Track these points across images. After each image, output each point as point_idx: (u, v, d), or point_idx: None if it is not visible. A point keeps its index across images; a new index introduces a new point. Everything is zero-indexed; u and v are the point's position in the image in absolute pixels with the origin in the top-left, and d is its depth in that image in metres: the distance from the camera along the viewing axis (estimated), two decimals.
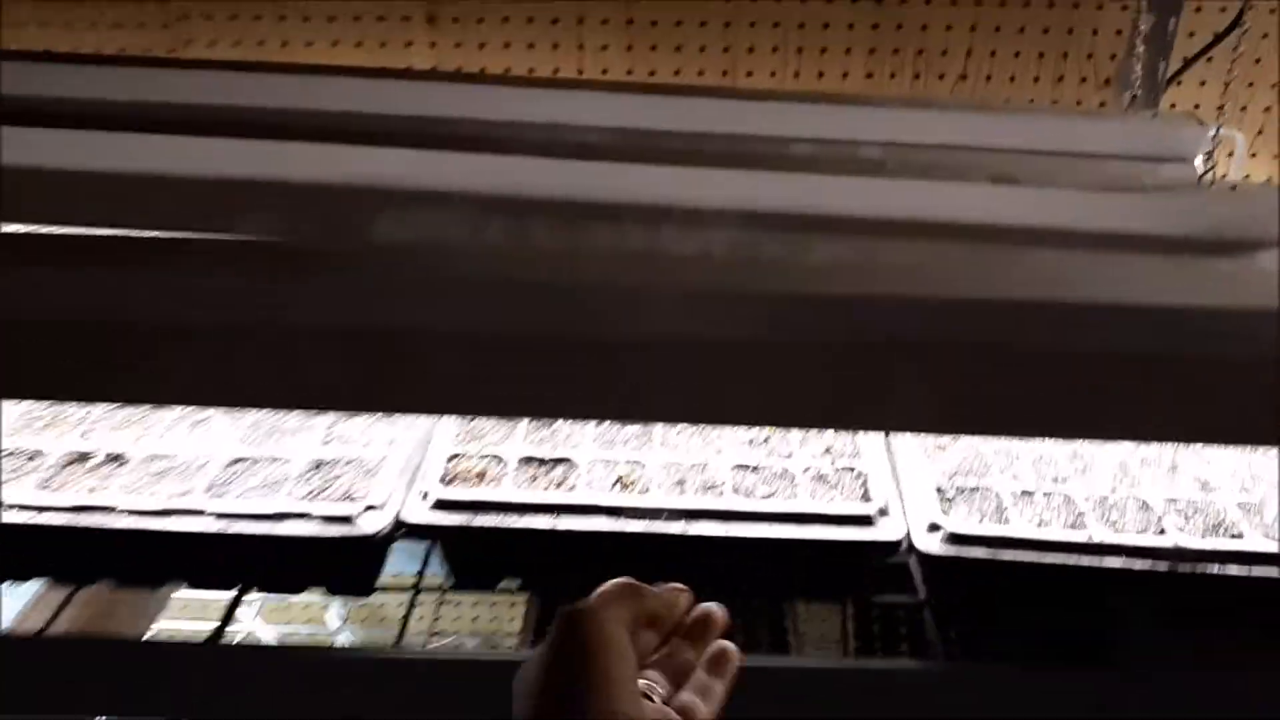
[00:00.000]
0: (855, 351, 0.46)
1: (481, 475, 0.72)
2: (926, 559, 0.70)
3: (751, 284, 0.48)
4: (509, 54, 1.04)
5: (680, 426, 0.77)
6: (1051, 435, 0.71)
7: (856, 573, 0.73)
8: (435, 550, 0.73)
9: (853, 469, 0.76)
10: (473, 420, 0.78)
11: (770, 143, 0.67)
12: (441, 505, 0.69)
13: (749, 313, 0.46)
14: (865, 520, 0.69)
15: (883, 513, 0.70)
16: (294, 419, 0.76)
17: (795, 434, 0.78)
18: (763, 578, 0.74)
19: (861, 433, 0.79)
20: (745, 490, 0.72)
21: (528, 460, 0.74)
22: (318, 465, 0.73)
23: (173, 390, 0.56)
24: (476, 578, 0.72)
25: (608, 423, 0.76)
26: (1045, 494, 0.75)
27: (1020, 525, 0.71)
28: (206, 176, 0.64)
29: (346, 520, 0.67)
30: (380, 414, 0.74)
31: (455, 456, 0.74)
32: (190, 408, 0.76)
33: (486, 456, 0.74)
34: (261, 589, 0.71)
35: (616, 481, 0.72)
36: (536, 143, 0.66)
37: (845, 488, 0.73)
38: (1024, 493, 0.75)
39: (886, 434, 0.80)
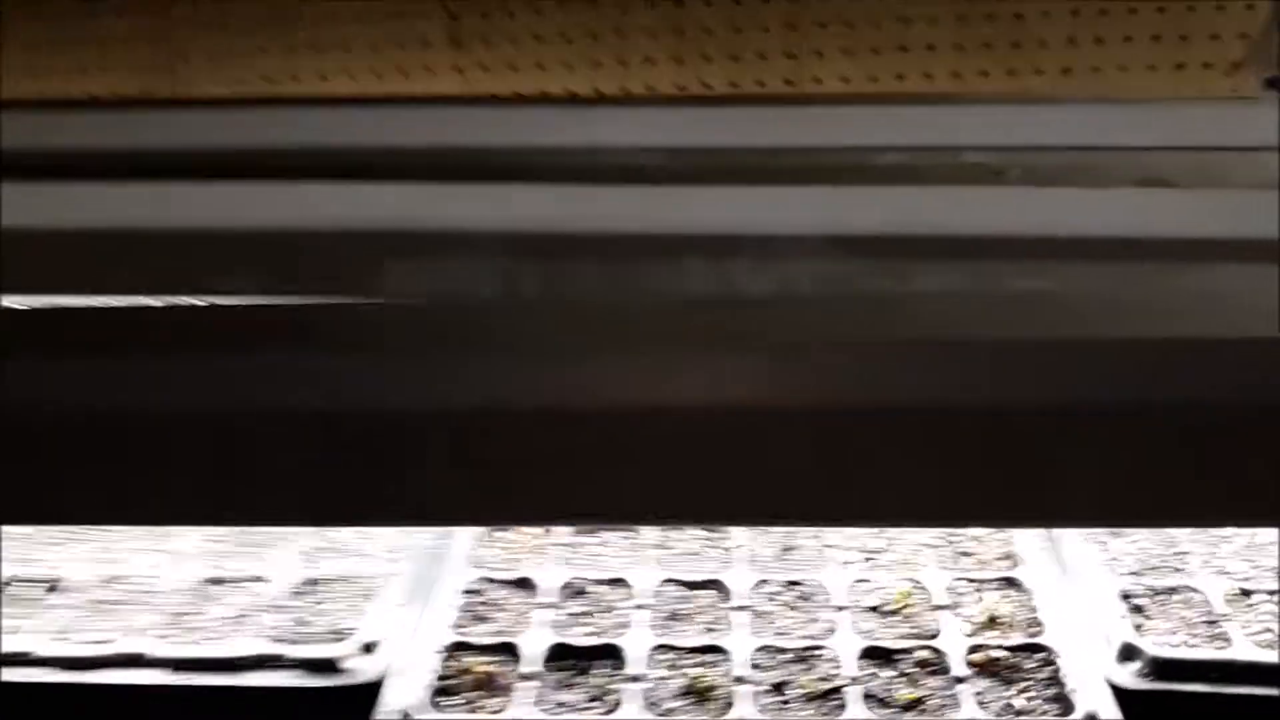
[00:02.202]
0: (983, 415, 0.34)
1: (486, 683, 0.51)
2: (1117, 694, 0.50)
3: (847, 327, 0.36)
4: (544, 76, 0.91)
5: (773, 584, 0.58)
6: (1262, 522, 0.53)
7: None
8: None
9: (1036, 647, 0.53)
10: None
11: (853, 153, 0.54)
12: None
13: (843, 366, 0.34)
14: None
15: None
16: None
17: (939, 589, 0.58)
18: None
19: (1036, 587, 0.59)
20: (878, 697, 0.51)
21: (555, 656, 0.53)
22: (303, 586, 0.57)
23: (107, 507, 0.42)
24: None
25: (664, 577, 0.57)
26: (1270, 593, 0.55)
27: (1245, 645, 0.51)
28: (166, 228, 0.52)
29: (332, 667, 0.51)
30: (380, 526, 0.58)
31: (455, 648, 0.53)
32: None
33: (494, 652, 0.53)
34: None
35: (687, 690, 0.51)
36: (574, 169, 0.53)
37: (1027, 680, 0.52)
38: (1242, 592, 0.55)
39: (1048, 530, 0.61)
